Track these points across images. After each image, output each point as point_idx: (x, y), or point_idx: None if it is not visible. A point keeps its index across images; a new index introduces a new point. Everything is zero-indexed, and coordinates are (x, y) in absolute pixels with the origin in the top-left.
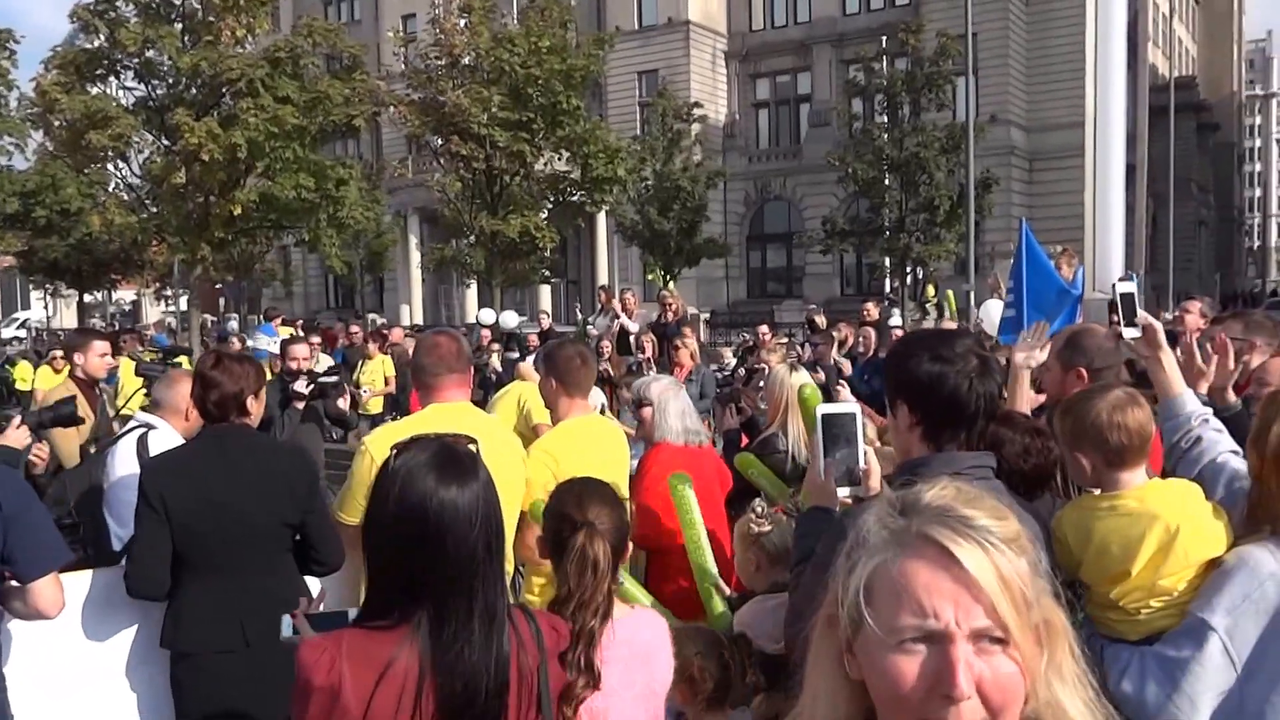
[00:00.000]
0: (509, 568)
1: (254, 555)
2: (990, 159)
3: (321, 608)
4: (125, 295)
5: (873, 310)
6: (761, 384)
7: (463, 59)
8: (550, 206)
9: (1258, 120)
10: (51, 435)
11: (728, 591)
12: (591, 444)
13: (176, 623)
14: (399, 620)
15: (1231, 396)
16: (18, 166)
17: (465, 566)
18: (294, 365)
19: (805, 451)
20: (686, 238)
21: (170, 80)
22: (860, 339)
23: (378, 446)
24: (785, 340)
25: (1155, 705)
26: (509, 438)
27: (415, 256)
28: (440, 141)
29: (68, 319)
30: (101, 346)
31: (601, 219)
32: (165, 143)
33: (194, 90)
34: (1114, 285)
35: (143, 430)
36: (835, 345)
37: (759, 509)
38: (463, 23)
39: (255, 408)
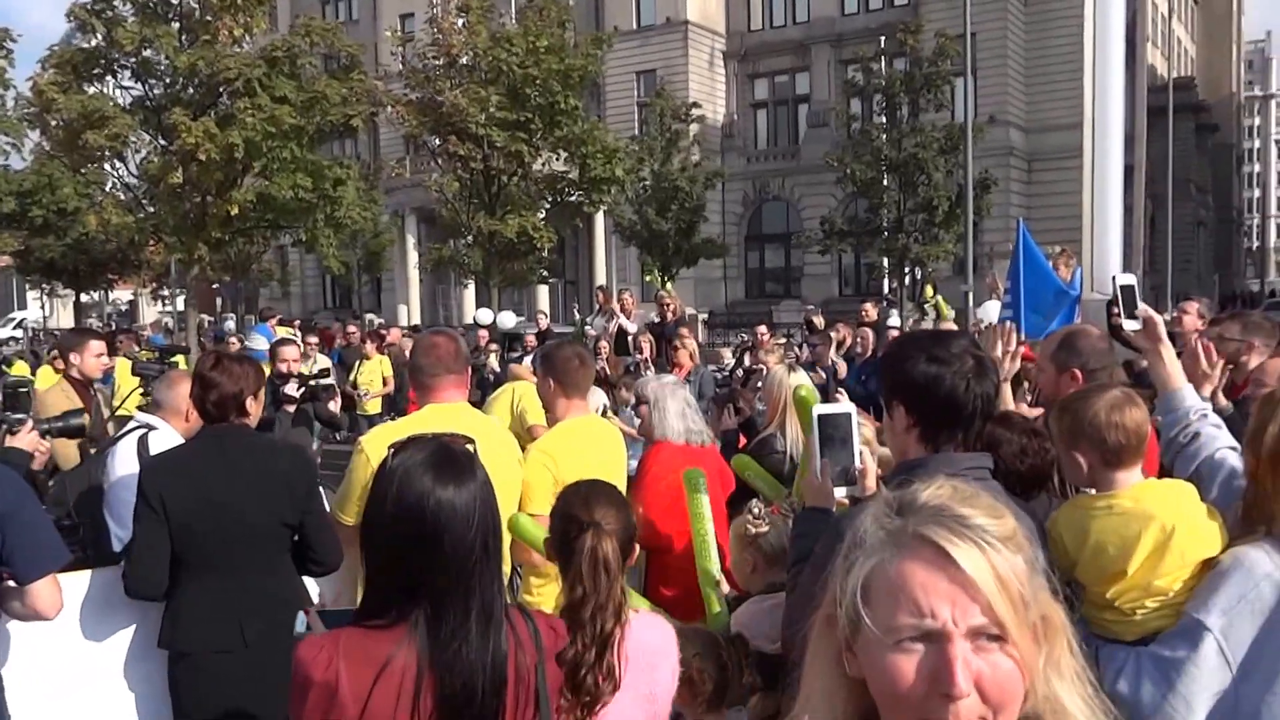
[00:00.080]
0: (505, 569)
1: (253, 555)
2: (989, 159)
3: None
4: (122, 295)
5: (871, 311)
6: (759, 384)
7: (460, 59)
8: (548, 207)
9: (1256, 121)
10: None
11: (726, 591)
12: (590, 445)
13: (175, 623)
14: (396, 619)
15: (1222, 400)
16: (14, 166)
17: (462, 566)
18: (283, 367)
19: (803, 452)
20: (684, 238)
21: (167, 80)
22: (858, 340)
23: (374, 447)
24: (783, 341)
25: (1151, 706)
26: (506, 438)
27: (413, 256)
28: (438, 141)
29: (64, 319)
30: (97, 346)
31: (599, 219)
32: (162, 142)
33: (191, 90)
34: (1114, 278)
35: (143, 431)
36: (833, 346)
37: (755, 510)
38: (461, 22)
39: (254, 408)
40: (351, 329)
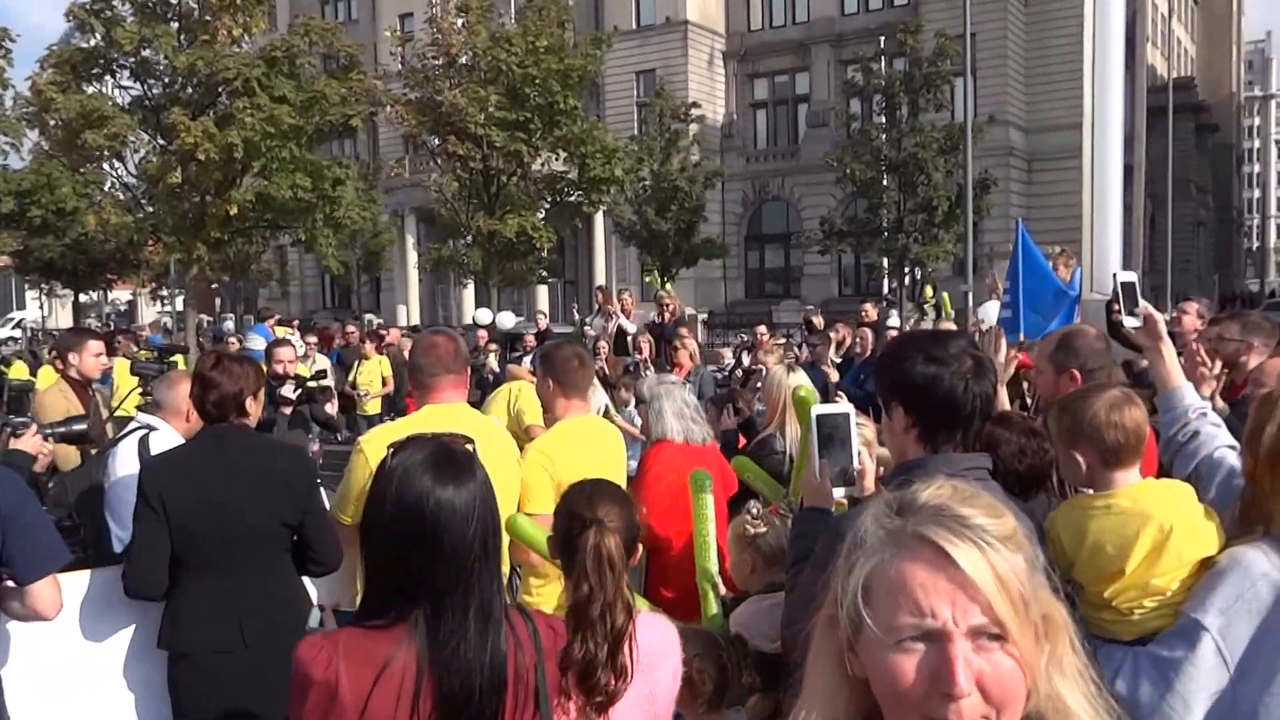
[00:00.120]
0: (504, 569)
1: (252, 555)
2: (988, 159)
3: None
4: (121, 295)
5: (871, 311)
6: (759, 385)
7: (460, 58)
8: (547, 206)
9: (1256, 121)
10: None
11: (724, 592)
12: (589, 444)
13: (174, 623)
14: (396, 619)
15: (1219, 402)
16: (13, 166)
17: (462, 565)
18: (279, 368)
19: (799, 452)
20: (684, 238)
21: (166, 79)
22: (857, 340)
23: (373, 447)
24: (783, 341)
25: (1149, 706)
26: (504, 438)
27: (412, 256)
28: (437, 141)
29: (63, 319)
30: (96, 346)
31: (599, 219)
32: (161, 142)
33: (190, 90)
34: (1115, 275)
35: (144, 432)
36: (833, 346)
37: (753, 510)
38: (460, 22)
39: (254, 408)
40: (350, 329)
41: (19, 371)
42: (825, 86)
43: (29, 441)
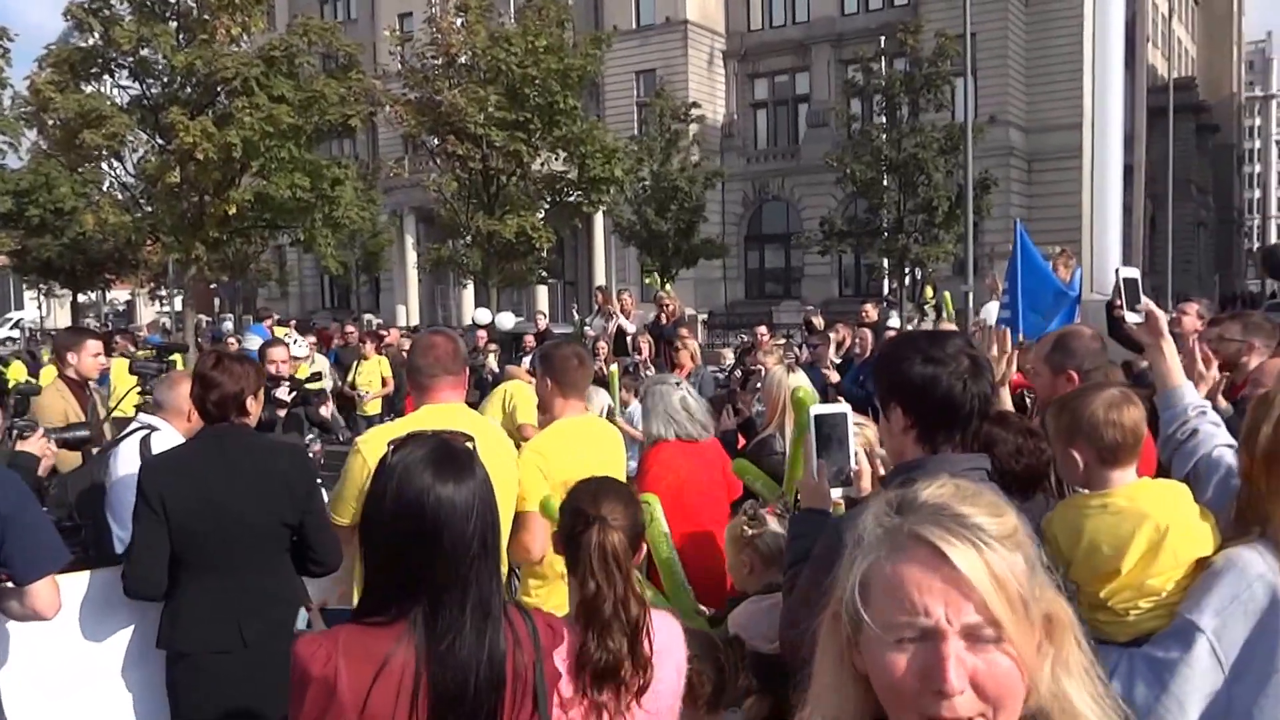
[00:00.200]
0: (503, 569)
1: (252, 555)
2: (989, 160)
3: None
4: (120, 295)
5: (871, 312)
6: (758, 385)
7: (459, 58)
8: (547, 207)
9: (1257, 122)
10: None
11: (707, 613)
12: (585, 444)
13: (174, 623)
14: (396, 616)
15: (1222, 402)
16: (11, 165)
17: (460, 562)
18: (272, 369)
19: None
20: (684, 238)
21: (165, 79)
22: (857, 340)
23: (370, 447)
24: (782, 342)
25: (1143, 707)
26: (502, 438)
27: (411, 257)
28: (436, 141)
29: (61, 319)
30: (95, 346)
31: (599, 219)
32: (160, 142)
33: (189, 89)
34: (1117, 270)
35: (146, 432)
36: (833, 346)
37: (750, 510)
38: (459, 22)
39: (254, 407)
40: (350, 329)
41: (17, 372)
42: (825, 86)
43: (35, 444)
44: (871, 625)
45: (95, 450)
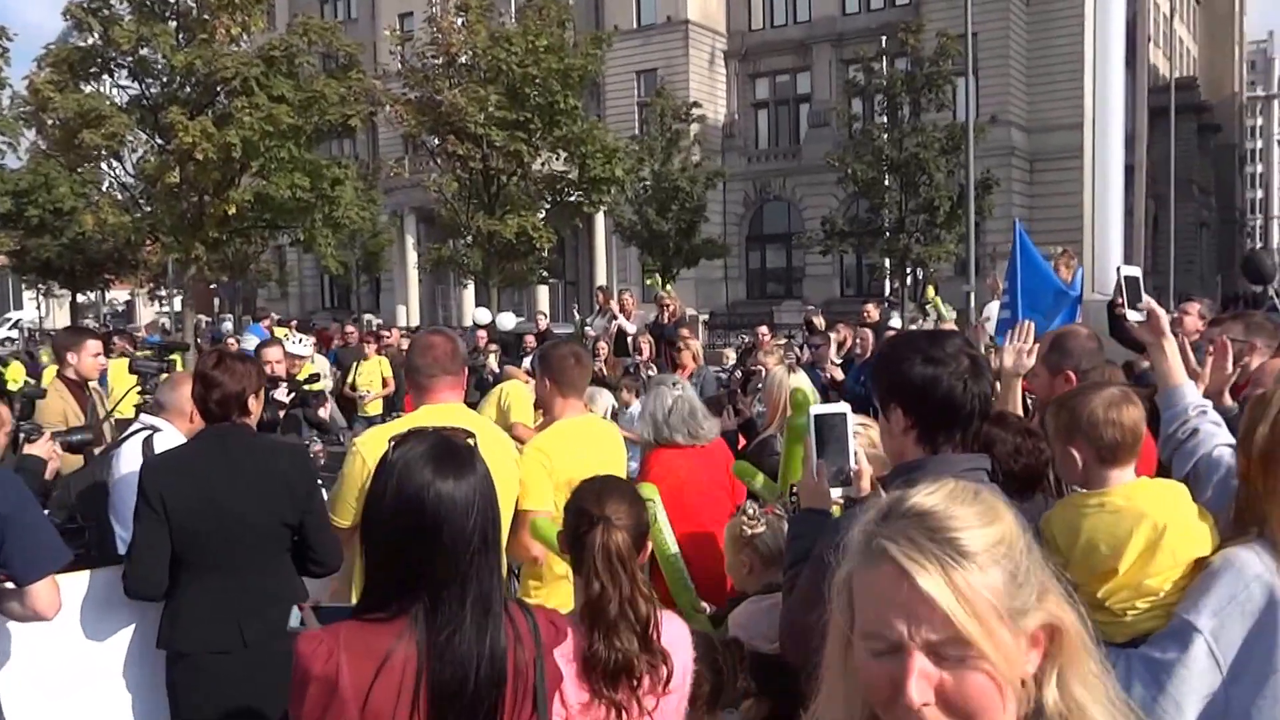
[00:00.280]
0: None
1: (252, 555)
2: (990, 160)
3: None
4: (119, 296)
5: (873, 312)
6: (759, 386)
7: (460, 58)
8: (548, 207)
9: (1259, 122)
10: None
11: (708, 610)
12: (587, 444)
13: (174, 623)
14: (396, 612)
15: (1228, 400)
16: (10, 165)
17: (460, 557)
18: (267, 369)
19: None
20: (685, 238)
21: (164, 79)
22: (858, 340)
23: (368, 447)
24: (783, 342)
25: (1141, 708)
26: (500, 437)
27: (412, 257)
28: (437, 141)
29: (60, 319)
30: (95, 346)
31: (600, 219)
32: (159, 142)
33: (188, 89)
34: (1119, 268)
35: (148, 433)
36: (834, 346)
37: (750, 510)
38: (460, 21)
39: (255, 406)
40: (349, 329)
41: (16, 372)
42: (827, 86)
43: (42, 447)
44: (850, 633)
45: (97, 451)
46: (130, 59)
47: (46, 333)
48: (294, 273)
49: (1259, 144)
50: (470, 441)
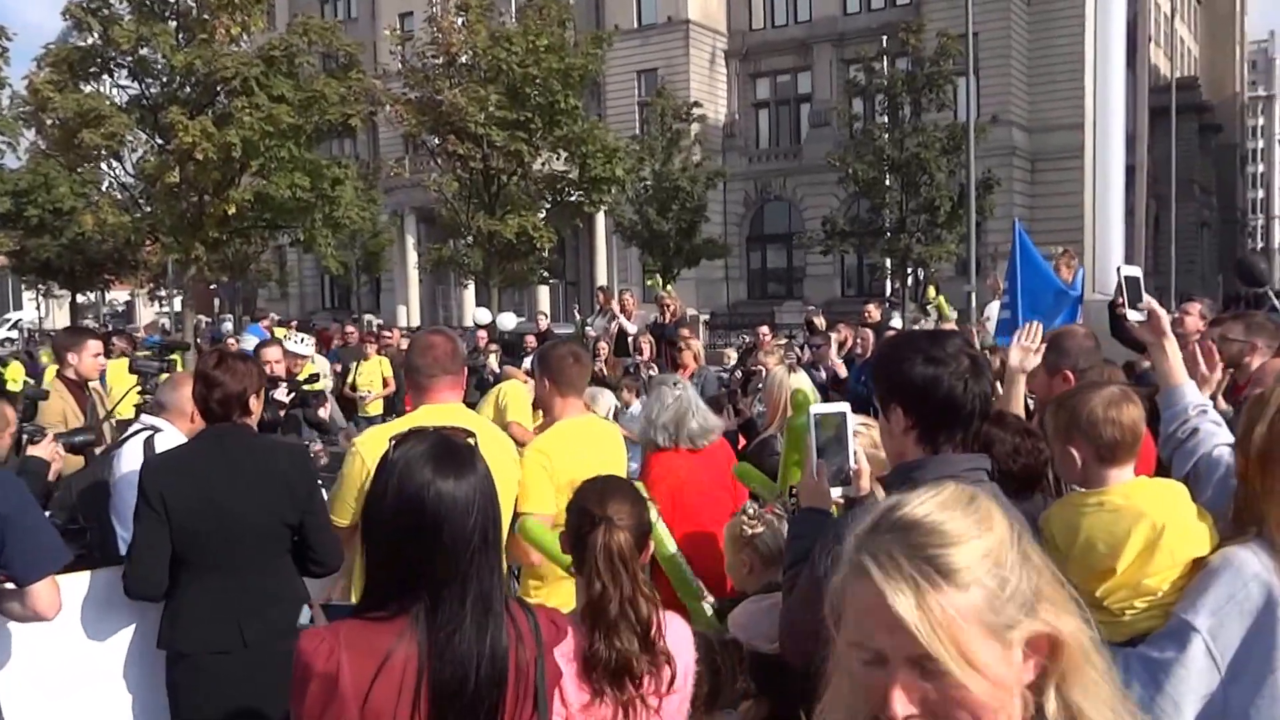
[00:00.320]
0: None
1: (252, 555)
2: (991, 159)
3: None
4: (119, 296)
5: (874, 312)
6: (759, 386)
7: (460, 58)
8: (548, 206)
9: (1260, 121)
10: None
11: (711, 600)
12: (588, 444)
13: (174, 623)
14: (397, 611)
15: (1222, 404)
16: (10, 165)
17: (460, 556)
18: (266, 370)
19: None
20: (686, 238)
21: (164, 79)
22: (858, 340)
23: (368, 447)
24: (783, 342)
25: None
26: (500, 437)
27: (412, 257)
28: (437, 141)
29: (60, 320)
30: (95, 346)
31: (600, 219)
32: (159, 141)
33: (188, 89)
34: (1119, 268)
35: (149, 434)
36: (835, 346)
37: (750, 510)
38: (460, 21)
39: (256, 407)
40: (349, 330)
41: (16, 373)
42: (827, 86)
43: (46, 448)
44: (840, 639)
45: (98, 451)
46: (130, 59)
47: (46, 333)
48: (294, 273)
49: (1260, 144)
50: (471, 441)
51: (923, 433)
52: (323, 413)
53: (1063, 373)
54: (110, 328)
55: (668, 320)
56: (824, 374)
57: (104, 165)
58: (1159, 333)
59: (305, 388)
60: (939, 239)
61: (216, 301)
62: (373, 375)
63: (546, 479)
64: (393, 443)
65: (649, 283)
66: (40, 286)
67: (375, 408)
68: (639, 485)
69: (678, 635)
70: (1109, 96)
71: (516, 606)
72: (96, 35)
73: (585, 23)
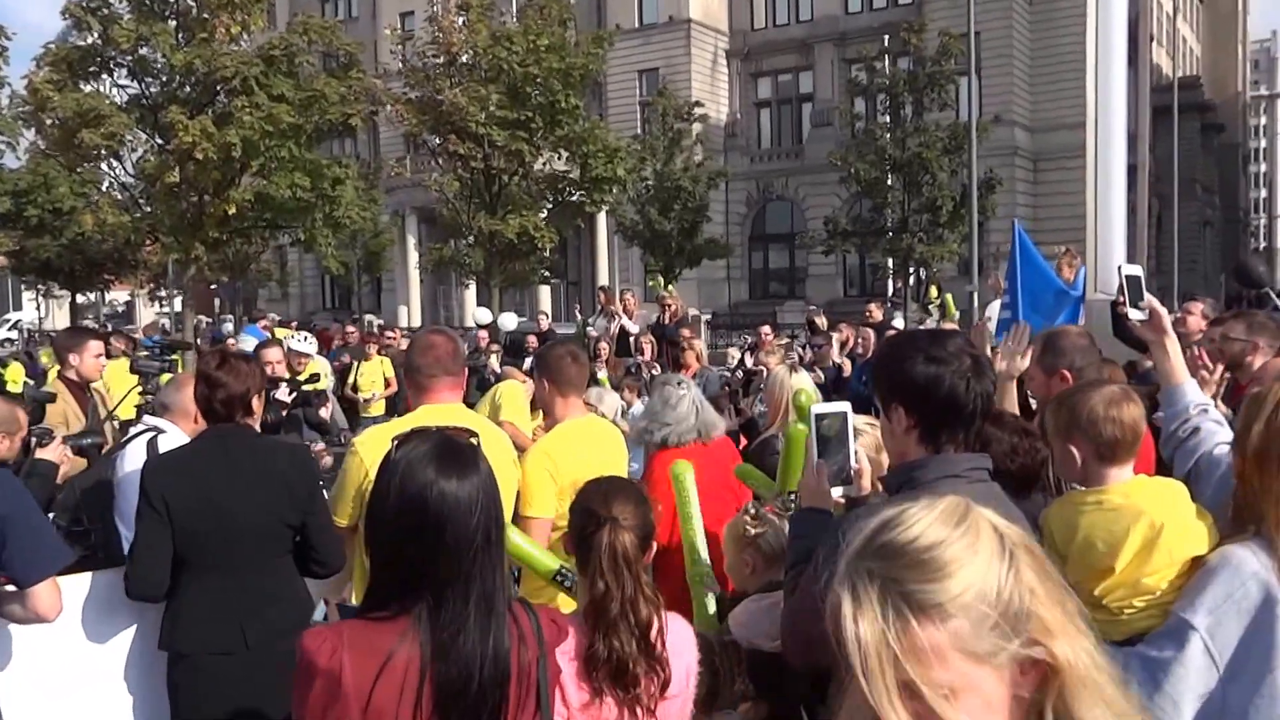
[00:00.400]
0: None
1: (254, 556)
2: (993, 159)
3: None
4: (119, 296)
5: (876, 311)
6: (760, 386)
7: (461, 57)
8: (549, 206)
9: (1263, 121)
10: None
11: (718, 589)
12: (591, 445)
13: (175, 624)
14: (400, 611)
15: (1222, 407)
16: (9, 165)
17: (463, 556)
18: (267, 370)
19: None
20: (687, 238)
21: (164, 78)
22: (859, 340)
23: (367, 447)
24: (785, 342)
25: None
26: (500, 438)
27: (413, 257)
28: (438, 140)
29: (60, 320)
30: (96, 346)
31: (601, 219)
32: (159, 141)
33: (188, 88)
34: (1120, 267)
35: (152, 434)
36: (836, 346)
37: (752, 510)
38: (461, 20)
39: (258, 406)
40: (350, 330)
41: (15, 373)
42: (829, 85)
43: (54, 451)
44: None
45: (102, 451)
46: (130, 58)
47: (46, 333)
48: (295, 273)
49: (1262, 143)
50: (474, 441)
51: (924, 432)
52: (324, 412)
53: (1060, 372)
54: (109, 328)
55: (669, 320)
56: (823, 375)
57: (104, 165)
58: (1160, 331)
59: (306, 387)
60: (941, 239)
61: (217, 302)
62: (374, 376)
63: (549, 481)
64: (395, 443)
65: (650, 283)
66: (40, 287)
67: (378, 409)
68: (682, 464)
69: (680, 636)
70: (1111, 96)
71: (519, 606)
72: (96, 35)
73: (586, 22)
